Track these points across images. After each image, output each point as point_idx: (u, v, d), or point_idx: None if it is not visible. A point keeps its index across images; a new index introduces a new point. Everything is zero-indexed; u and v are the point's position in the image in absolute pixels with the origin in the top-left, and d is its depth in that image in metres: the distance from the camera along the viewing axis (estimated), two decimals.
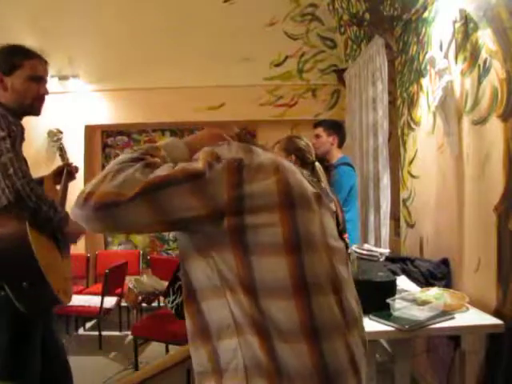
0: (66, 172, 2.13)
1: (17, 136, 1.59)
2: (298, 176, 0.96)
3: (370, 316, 1.84)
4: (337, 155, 3.13)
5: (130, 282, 3.30)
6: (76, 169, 2.23)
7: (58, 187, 2.06)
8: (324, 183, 2.51)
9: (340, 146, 3.19)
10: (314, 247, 0.93)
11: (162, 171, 0.88)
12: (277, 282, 0.87)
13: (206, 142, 1.01)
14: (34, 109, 1.82)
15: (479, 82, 2.07)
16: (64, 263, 1.84)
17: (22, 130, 1.68)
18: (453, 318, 1.85)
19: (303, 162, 2.55)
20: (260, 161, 0.92)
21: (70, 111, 4.71)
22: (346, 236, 2.91)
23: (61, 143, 2.42)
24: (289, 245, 0.89)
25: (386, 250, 2.72)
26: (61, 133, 4.71)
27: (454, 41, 2.30)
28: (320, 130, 3.18)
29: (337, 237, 1.02)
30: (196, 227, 0.89)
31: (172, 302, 1.14)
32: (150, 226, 0.88)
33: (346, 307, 0.94)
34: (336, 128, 3.21)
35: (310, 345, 0.86)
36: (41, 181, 1.90)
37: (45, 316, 1.77)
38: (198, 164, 0.89)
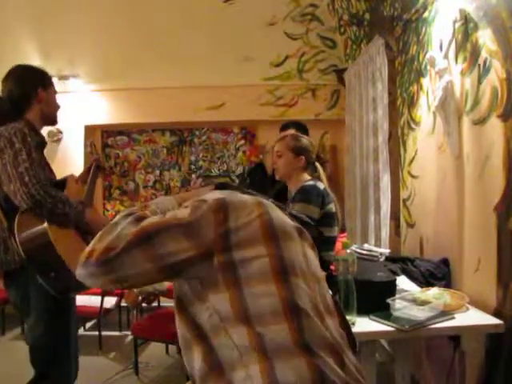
0: (94, 167, 2.34)
1: (31, 147, 1.78)
2: (278, 212, 1.04)
3: (370, 316, 1.84)
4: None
5: None
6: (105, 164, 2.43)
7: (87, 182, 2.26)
8: (324, 182, 2.52)
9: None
10: (300, 272, 0.98)
11: (153, 219, 0.97)
12: (269, 309, 0.91)
13: (194, 195, 1.11)
14: (56, 119, 2.12)
15: (479, 82, 2.07)
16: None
17: (42, 139, 1.92)
18: (453, 318, 1.85)
19: (308, 162, 2.55)
20: (241, 199, 1.02)
21: (70, 111, 4.71)
22: (344, 235, 2.92)
23: (92, 140, 2.68)
24: (276, 272, 0.94)
25: (386, 250, 2.72)
26: (61, 133, 4.73)
27: (454, 41, 2.30)
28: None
29: (318, 267, 1.08)
30: (192, 270, 0.95)
31: None
32: (150, 274, 0.94)
33: (330, 332, 0.97)
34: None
35: (307, 361, 0.88)
36: (63, 181, 2.04)
37: (72, 296, 1.98)
38: (187, 209, 0.98)
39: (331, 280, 1.15)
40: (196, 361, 0.95)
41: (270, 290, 0.93)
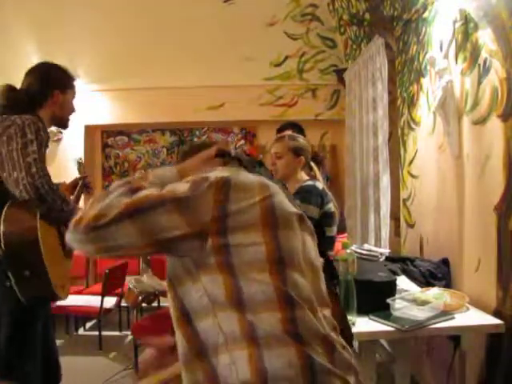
0: (81, 184, 2.33)
1: (43, 141, 1.78)
2: (281, 197, 1.00)
3: (370, 316, 1.84)
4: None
5: (130, 282, 3.29)
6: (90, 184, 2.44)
7: (72, 197, 2.20)
8: (320, 181, 2.51)
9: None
10: (297, 263, 0.96)
11: (149, 192, 0.92)
12: (263, 297, 0.90)
13: (200, 165, 1.08)
14: (67, 123, 2.15)
15: (479, 82, 2.07)
16: (66, 262, 1.96)
17: (48, 137, 1.88)
18: (453, 318, 1.85)
19: (306, 162, 2.55)
20: (246, 180, 0.97)
21: None
22: (345, 236, 2.92)
23: (80, 158, 2.64)
24: (272, 262, 0.92)
25: (386, 250, 2.72)
26: (61, 133, 4.73)
27: (454, 41, 2.30)
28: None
29: (316, 255, 1.06)
30: (183, 248, 0.92)
31: None
32: (139, 247, 0.92)
33: (323, 325, 0.96)
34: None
35: (297, 349, 0.88)
36: (57, 185, 2.01)
37: (41, 308, 1.88)
38: (187, 184, 0.93)
39: (329, 266, 1.14)
40: (180, 345, 0.95)
41: (265, 279, 0.91)
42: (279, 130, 3.41)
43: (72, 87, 2.10)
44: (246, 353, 0.87)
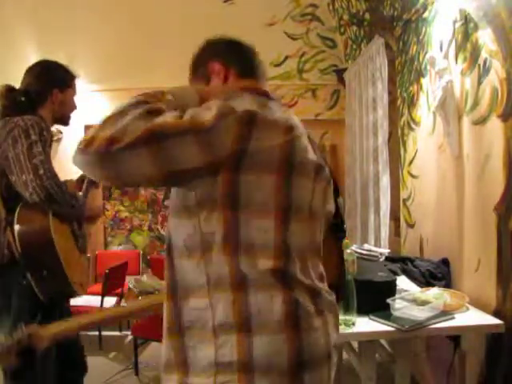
0: (88, 179, 2.26)
1: (47, 141, 1.77)
2: (305, 141, 0.95)
3: (370, 316, 1.85)
4: None
5: (130, 281, 3.29)
6: None
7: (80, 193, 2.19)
8: None
9: None
10: (301, 213, 0.94)
11: (168, 118, 0.85)
12: (263, 242, 0.88)
13: (219, 92, 0.99)
14: (68, 120, 2.12)
15: (479, 82, 2.07)
16: (81, 258, 2.00)
17: (51, 136, 1.88)
18: (453, 318, 1.85)
19: None
20: (272, 118, 0.90)
21: None
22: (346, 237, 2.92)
23: None
24: (279, 209, 0.89)
25: (385, 250, 2.72)
26: (61, 133, 4.73)
27: (454, 41, 2.30)
28: None
29: (325, 205, 1.04)
30: (192, 181, 0.88)
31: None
32: (150, 176, 0.86)
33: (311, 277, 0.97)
34: None
35: (284, 293, 0.88)
36: (65, 183, 2.03)
37: (60, 305, 1.92)
38: (210, 113, 0.86)
39: (340, 228, 1.13)
40: (165, 271, 0.95)
41: (267, 225, 0.88)
42: None
43: (72, 85, 2.07)
44: (230, 296, 0.86)
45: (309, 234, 0.97)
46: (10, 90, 1.90)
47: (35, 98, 1.91)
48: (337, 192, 1.11)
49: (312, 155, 0.97)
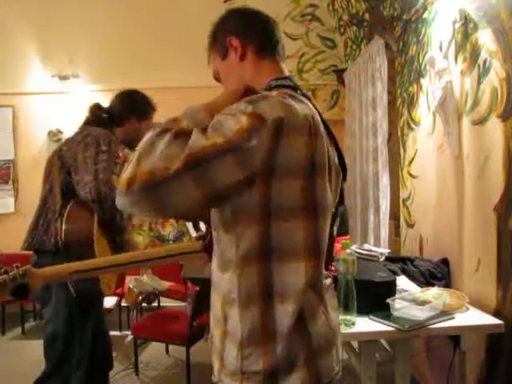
0: None
1: (113, 152, 1.97)
2: (324, 140, 0.96)
3: (370, 316, 1.85)
4: None
5: (130, 281, 3.29)
6: None
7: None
8: None
9: None
10: (326, 213, 0.97)
11: (201, 141, 0.85)
12: (292, 245, 0.91)
13: (227, 102, 1.01)
14: (135, 145, 2.24)
15: (479, 82, 2.07)
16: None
17: (118, 150, 2.09)
18: (453, 318, 1.85)
19: None
20: (297, 119, 0.91)
21: (70, 111, 4.72)
22: (347, 237, 2.93)
23: None
24: (307, 210, 0.92)
25: (385, 250, 2.71)
26: (61, 133, 4.73)
27: (453, 41, 2.30)
28: None
29: (333, 201, 1.07)
30: (234, 198, 0.89)
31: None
32: (194, 201, 0.86)
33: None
34: None
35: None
36: None
37: (92, 303, 2.08)
38: (239, 124, 0.86)
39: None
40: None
41: (297, 227, 0.91)
42: None
43: (149, 117, 2.31)
44: (259, 309, 0.91)
45: (327, 230, 1.01)
46: (97, 107, 2.18)
47: (115, 118, 2.18)
48: (342, 199, 1.13)
49: (331, 154, 1.00)
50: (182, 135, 0.87)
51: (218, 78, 1.19)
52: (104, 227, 1.96)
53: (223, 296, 0.95)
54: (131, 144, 2.27)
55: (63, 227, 1.87)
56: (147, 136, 0.90)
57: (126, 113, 2.20)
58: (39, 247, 1.99)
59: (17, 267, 1.18)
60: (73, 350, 2.00)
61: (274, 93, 0.96)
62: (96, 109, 2.18)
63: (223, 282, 0.95)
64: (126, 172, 0.84)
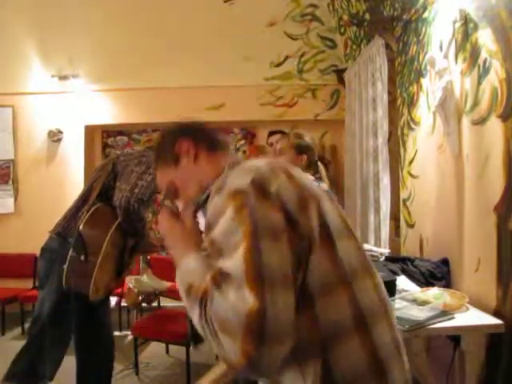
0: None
1: (154, 180, 2.10)
2: (328, 203, 0.93)
3: None
4: None
5: (130, 281, 3.29)
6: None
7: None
8: (326, 183, 2.51)
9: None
10: (361, 275, 0.93)
11: (268, 268, 0.77)
12: (339, 320, 0.85)
13: (181, 238, 0.99)
14: None
15: (479, 82, 2.07)
16: (114, 274, 2.26)
17: None
18: (453, 318, 1.85)
19: (310, 161, 2.53)
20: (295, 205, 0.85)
21: (70, 111, 4.72)
22: None
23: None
24: (341, 278, 0.87)
25: (385, 250, 2.72)
26: (61, 133, 4.73)
27: (453, 41, 2.30)
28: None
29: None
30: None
31: None
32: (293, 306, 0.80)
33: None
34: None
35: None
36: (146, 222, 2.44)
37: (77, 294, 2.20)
38: (238, 238, 0.79)
39: None
40: None
41: (339, 298, 0.86)
42: (270, 135, 3.60)
43: None
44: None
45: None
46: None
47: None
48: None
49: (340, 215, 0.98)
50: (203, 294, 0.79)
51: (170, 191, 1.14)
52: (125, 232, 2.18)
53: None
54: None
55: (80, 227, 2.06)
56: (196, 311, 0.81)
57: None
58: (62, 231, 2.23)
59: None
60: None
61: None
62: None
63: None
64: (222, 356, 0.77)
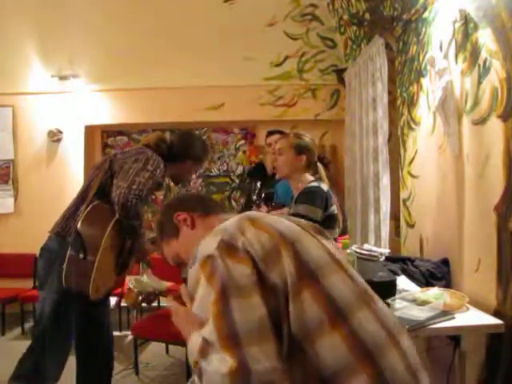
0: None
1: (155, 177, 2.14)
2: (309, 240, 0.97)
3: None
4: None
5: (130, 281, 3.29)
6: None
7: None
8: (326, 183, 2.51)
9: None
10: (357, 307, 0.93)
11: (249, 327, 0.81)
12: (339, 357, 0.86)
13: (192, 322, 1.00)
14: (180, 183, 2.85)
15: (479, 82, 2.07)
16: (113, 273, 2.31)
17: (163, 178, 2.30)
18: (453, 317, 1.85)
19: (310, 162, 2.52)
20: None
21: (70, 111, 4.72)
22: (347, 237, 2.93)
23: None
24: (333, 316, 0.88)
25: (386, 250, 2.71)
26: (61, 133, 4.73)
27: (453, 41, 2.30)
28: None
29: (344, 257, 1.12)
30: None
31: None
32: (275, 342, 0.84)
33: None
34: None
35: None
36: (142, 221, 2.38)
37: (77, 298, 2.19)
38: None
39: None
40: None
41: (334, 339, 0.87)
42: (268, 135, 3.60)
43: (201, 165, 2.58)
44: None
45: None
46: (161, 139, 2.40)
47: (172, 155, 2.38)
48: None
49: (328, 248, 1.02)
50: (207, 357, 0.83)
51: (179, 262, 1.26)
52: (124, 234, 2.16)
53: None
54: (176, 180, 2.57)
55: (78, 225, 2.05)
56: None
57: (183, 155, 2.40)
58: (60, 230, 2.20)
59: None
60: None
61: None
62: (160, 141, 2.39)
63: None
64: None
